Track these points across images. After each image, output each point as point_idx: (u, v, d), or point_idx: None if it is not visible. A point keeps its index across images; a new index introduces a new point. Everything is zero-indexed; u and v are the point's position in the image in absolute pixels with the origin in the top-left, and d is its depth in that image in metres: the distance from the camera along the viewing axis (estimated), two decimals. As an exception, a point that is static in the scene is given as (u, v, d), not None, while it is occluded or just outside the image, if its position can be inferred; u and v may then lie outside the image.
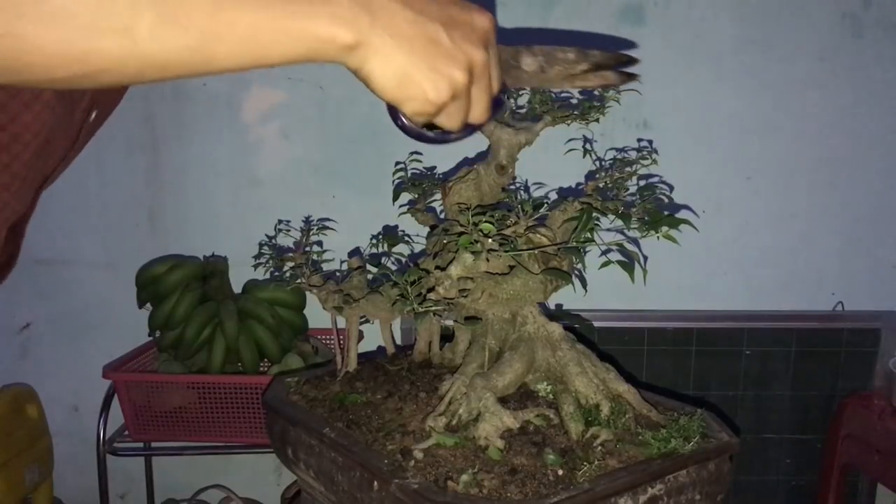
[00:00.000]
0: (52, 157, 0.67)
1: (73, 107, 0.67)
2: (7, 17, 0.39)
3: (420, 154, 1.22)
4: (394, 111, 0.58)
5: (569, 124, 1.02)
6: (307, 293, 1.26)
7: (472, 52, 0.56)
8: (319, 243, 1.10)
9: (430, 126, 0.60)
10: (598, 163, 1.05)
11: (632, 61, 0.70)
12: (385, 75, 0.52)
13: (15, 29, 0.40)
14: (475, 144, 1.26)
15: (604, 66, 0.70)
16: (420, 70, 0.52)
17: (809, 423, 1.65)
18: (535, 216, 0.88)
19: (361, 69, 0.51)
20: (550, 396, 0.91)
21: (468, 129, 0.60)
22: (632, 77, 0.71)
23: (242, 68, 0.47)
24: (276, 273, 1.06)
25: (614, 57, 0.69)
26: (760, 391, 1.64)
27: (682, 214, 1.00)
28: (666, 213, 0.88)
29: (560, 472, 0.77)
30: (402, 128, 0.60)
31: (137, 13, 0.42)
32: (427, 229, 1.10)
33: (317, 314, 1.47)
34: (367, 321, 1.05)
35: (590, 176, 1.05)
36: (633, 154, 1.03)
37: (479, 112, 0.59)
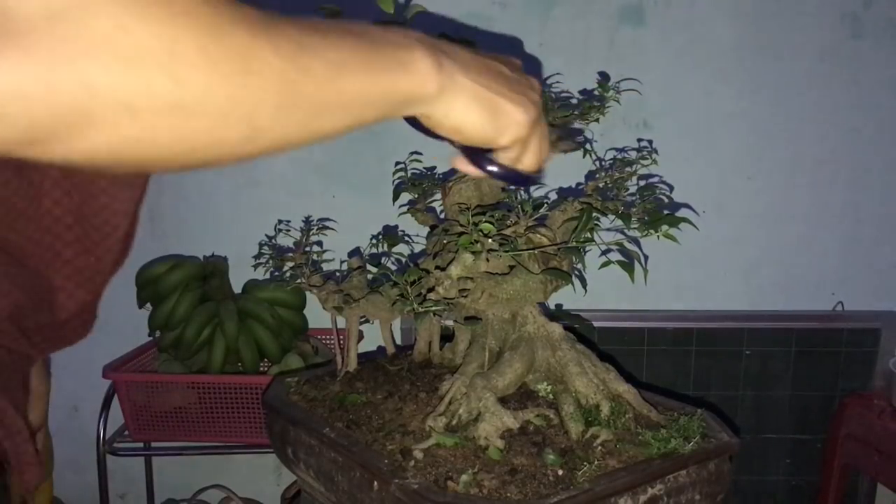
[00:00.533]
0: None
1: None
2: (138, 124, 0.35)
3: (420, 154, 1.21)
4: (478, 157, 0.58)
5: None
6: (307, 293, 1.26)
7: (529, 78, 0.58)
8: (319, 243, 1.10)
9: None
10: (598, 163, 1.05)
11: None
12: (477, 112, 0.52)
13: (144, 133, 0.36)
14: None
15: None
16: (504, 97, 0.54)
17: (809, 423, 1.65)
18: (535, 216, 0.88)
19: (449, 114, 0.51)
20: (550, 396, 0.91)
21: (540, 170, 0.62)
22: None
23: (338, 135, 0.46)
24: (276, 273, 1.06)
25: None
26: (760, 391, 1.64)
27: (682, 214, 1.00)
28: (665, 212, 0.88)
29: (560, 472, 0.77)
30: (495, 174, 0.58)
31: (262, 99, 0.39)
32: (427, 229, 1.10)
33: (317, 314, 1.47)
34: (367, 321, 1.05)
35: (590, 176, 1.05)
36: (633, 154, 1.03)
37: (545, 147, 0.60)
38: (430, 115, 0.51)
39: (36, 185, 0.68)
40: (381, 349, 1.14)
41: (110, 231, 0.73)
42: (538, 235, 0.93)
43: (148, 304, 1.54)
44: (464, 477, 0.75)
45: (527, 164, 0.59)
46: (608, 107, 1.01)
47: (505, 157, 0.58)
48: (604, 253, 0.90)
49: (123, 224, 0.73)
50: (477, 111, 0.52)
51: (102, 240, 0.74)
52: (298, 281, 1.02)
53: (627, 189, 0.99)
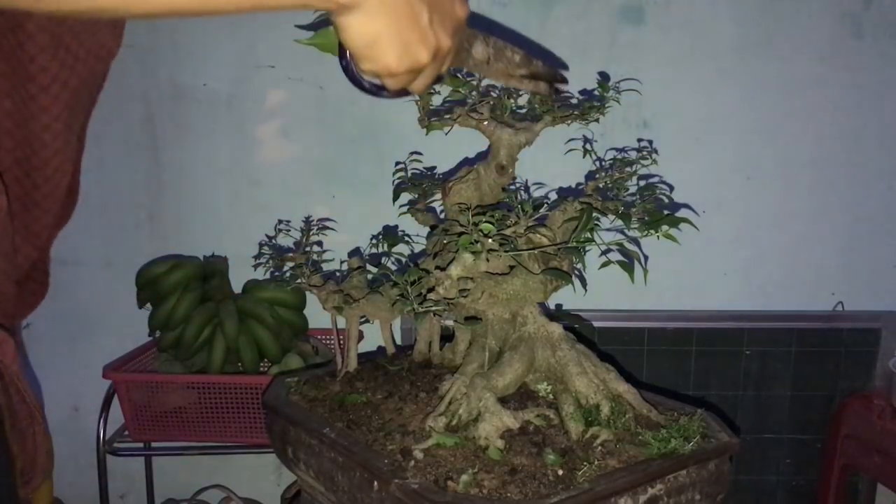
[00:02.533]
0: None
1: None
2: None
3: (420, 154, 1.22)
4: (346, 54, 0.60)
5: (569, 124, 1.02)
6: (307, 293, 1.26)
7: (443, 40, 0.59)
8: (319, 243, 1.10)
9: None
10: (598, 163, 1.05)
11: (564, 80, 0.79)
12: (360, 33, 0.55)
13: None
14: (475, 144, 1.26)
15: (540, 77, 0.78)
16: (393, 41, 0.55)
17: (809, 423, 1.65)
18: (535, 216, 0.88)
19: (339, 19, 0.54)
20: (550, 396, 0.91)
21: (403, 93, 0.64)
22: (559, 93, 0.81)
23: (240, 11, 0.49)
24: (276, 273, 1.06)
25: (552, 73, 0.78)
26: (760, 391, 1.64)
27: (682, 214, 1.00)
28: (666, 212, 0.88)
29: (560, 472, 0.77)
30: (346, 69, 0.61)
31: None
32: (427, 229, 1.10)
33: (317, 314, 1.46)
34: (367, 321, 1.05)
35: (590, 176, 1.05)
36: (633, 154, 1.03)
37: (421, 86, 0.63)
38: (329, 13, 0.55)
39: None
40: (381, 349, 1.14)
41: (54, 185, 0.74)
42: (538, 235, 0.93)
43: (148, 304, 1.54)
44: (464, 477, 0.75)
45: (386, 85, 0.61)
46: (608, 107, 1.01)
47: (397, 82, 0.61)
48: (604, 253, 0.90)
49: (65, 178, 0.74)
50: (362, 33, 0.55)
51: (48, 193, 0.75)
52: (298, 281, 1.02)
53: (627, 189, 0.99)
